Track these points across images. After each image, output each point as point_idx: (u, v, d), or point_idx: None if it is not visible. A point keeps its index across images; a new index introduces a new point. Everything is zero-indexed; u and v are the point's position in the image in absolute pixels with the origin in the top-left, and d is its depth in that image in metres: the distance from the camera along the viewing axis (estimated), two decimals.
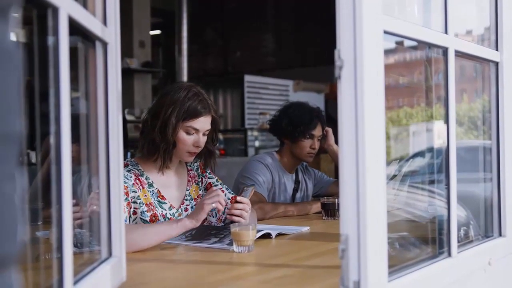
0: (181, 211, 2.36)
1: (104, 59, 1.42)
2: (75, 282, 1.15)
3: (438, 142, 1.89)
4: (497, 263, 1.80)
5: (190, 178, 2.46)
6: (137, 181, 2.24)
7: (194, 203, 2.41)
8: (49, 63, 1.06)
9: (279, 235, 2.27)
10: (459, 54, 1.65)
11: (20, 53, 0.61)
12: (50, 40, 1.06)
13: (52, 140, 1.06)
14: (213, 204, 2.04)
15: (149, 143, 2.27)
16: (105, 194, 1.43)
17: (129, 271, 1.53)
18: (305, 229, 2.44)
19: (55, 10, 1.04)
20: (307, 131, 3.08)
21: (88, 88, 1.42)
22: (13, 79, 0.59)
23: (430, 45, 1.63)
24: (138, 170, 2.28)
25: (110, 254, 1.44)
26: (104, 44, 1.41)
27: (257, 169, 3.04)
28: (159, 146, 2.25)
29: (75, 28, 1.17)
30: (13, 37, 0.61)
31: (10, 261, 0.59)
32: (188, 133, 2.26)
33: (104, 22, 1.41)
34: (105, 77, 1.42)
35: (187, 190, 2.43)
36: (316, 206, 2.92)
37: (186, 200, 2.41)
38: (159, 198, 2.30)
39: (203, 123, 2.28)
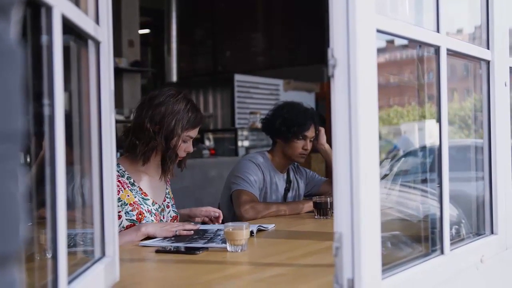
0: (164, 207, 2.49)
1: (97, 58, 1.41)
2: (69, 282, 1.14)
3: (429, 141, 1.90)
4: (489, 260, 1.82)
5: (167, 179, 2.58)
6: (118, 182, 2.27)
7: (173, 202, 2.57)
8: (42, 62, 1.06)
9: (259, 231, 2.33)
10: (450, 53, 1.66)
11: (22, 52, 0.61)
12: (44, 39, 1.05)
13: (46, 140, 1.05)
14: (177, 232, 2.21)
15: (151, 150, 2.36)
16: (98, 195, 1.42)
17: (122, 271, 1.52)
18: (271, 226, 2.47)
19: (49, 9, 1.03)
20: (301, 132, 3.07)
21: (80, 88, 1.41)
22: (16, 78, 0.59)
23: (423, 44, 1.63)
24: (118, 171, 2.31)
25: (103, 254, 1.43)
26: (97, 43, 1.40)
27: (249, 169, 3.04)
28: (163, 154, 2.38)
29: (68, 27, 1.16)
30: (14, 36, 0.61)
31: (13, 258, 0.59)
32: (184, 141, 2.40)
33: (97, 21, 1.40)
34: (97, 76, 1.41)
35: (167, 189, 2.56)
36: (308, 205, 2.93)
37: (167, 197, 2.54)
38: (142, 195, 2.39)
39: (197, 131, 2.46)
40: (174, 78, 9.23)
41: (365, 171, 1.22)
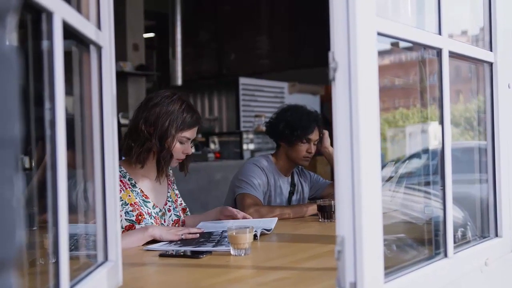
0: (165, 210, 2.49)
1: (99, 63, 1.41)
2: (71, 287, 1.14)
3: (434, 143, 1.90)
4: (494, 263, 1.81)
5: (169, 182, 2.59)
6: (119, 182, 2.28)
7: (175, 205, 2.56)
8: (43, 67, 1.06)
9: (263, 234, 2.33)
10: (453, 55, 1.65)
11: (18, 57, 0.62)
12: (45, 44, 1.06)
13: (47, 145, 1.05)
14: (182, 236, 2.20)
15: (146, 152, 2.37)
16: (101, 199, 1.43)
17: (125, 276, 1.52)
18: (274, 221, 2.52)
19: (50, 15, 1.04)
20: (304, 135, 3.07)
21: (82, 92, 1.42)
22: (11, 83, 0.59)
23: (424, 46, 1.63)
24: (120, 172, 2.32)
25: (106, 258, 1.43)
26: (99, 48, 1.41)
27: (253, 172, 3.04)
28: (158, 155, 2.38)
29: (69, 32, 1.16)
30: (10, 41, 0.61)
31: (9, 264, 0.60)
32: (181, 142, 2.40)
33: (98, 26, 1.41)
34: (99, 81, 1.42)
35: (168, 192, 2.55)
36: (312, 208, 2.92)
37: (169, 201, 2.54)
38: (143, 197, 2.40)
39: (195, 132, 2.44)
40: (179, 81, 9.22)
41: (367, 174, 1.22)
